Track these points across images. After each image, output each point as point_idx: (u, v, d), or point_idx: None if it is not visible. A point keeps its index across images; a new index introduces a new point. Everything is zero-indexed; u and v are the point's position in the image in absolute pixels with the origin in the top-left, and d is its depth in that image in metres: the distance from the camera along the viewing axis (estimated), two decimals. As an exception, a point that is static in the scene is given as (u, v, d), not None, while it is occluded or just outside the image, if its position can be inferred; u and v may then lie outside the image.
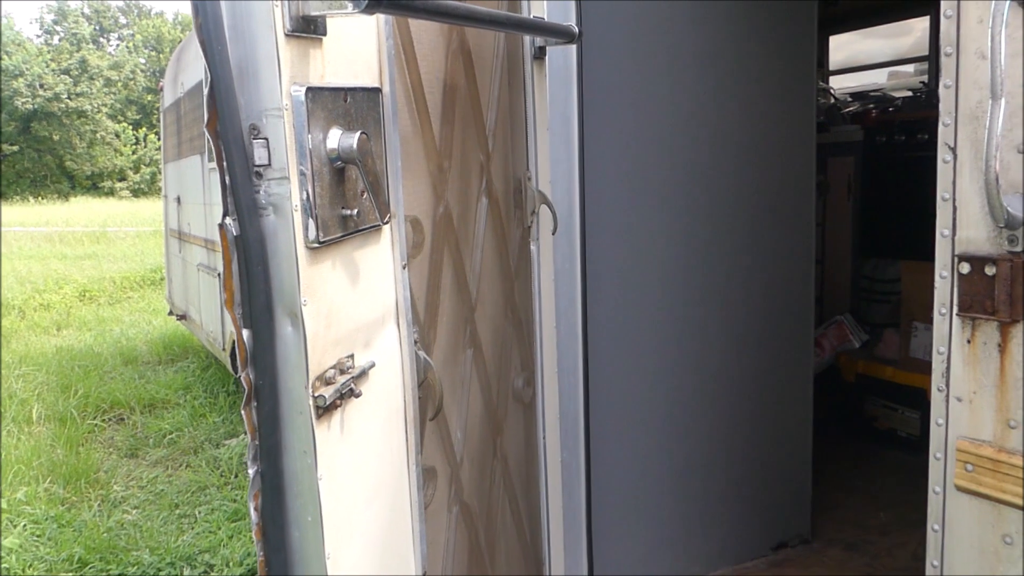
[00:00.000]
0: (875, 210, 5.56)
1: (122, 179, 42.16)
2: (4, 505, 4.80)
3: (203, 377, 7.79)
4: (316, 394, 1.37)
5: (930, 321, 1.64)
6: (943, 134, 1.58)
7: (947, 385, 1.60)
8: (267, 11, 1.27)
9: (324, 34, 1.38)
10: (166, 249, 9.15)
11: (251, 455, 1.37)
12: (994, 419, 1.52)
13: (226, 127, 1.28)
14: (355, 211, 1.45)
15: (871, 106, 6.01)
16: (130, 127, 43.62)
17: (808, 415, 3.74)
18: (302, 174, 1.34)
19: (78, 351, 9.08)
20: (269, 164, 1.32)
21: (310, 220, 1.35)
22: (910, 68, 6.77)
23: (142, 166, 42.54)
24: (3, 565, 4.13)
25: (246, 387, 1.36)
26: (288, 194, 1.32)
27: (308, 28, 1.33)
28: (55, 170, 40.94)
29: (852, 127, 5.72)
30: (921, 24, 6.35)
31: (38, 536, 4.49)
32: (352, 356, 1.50)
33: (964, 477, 1.56)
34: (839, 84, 7.04)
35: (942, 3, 1.54)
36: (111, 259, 16.32)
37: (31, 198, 35.40)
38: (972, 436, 1.56)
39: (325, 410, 1.39)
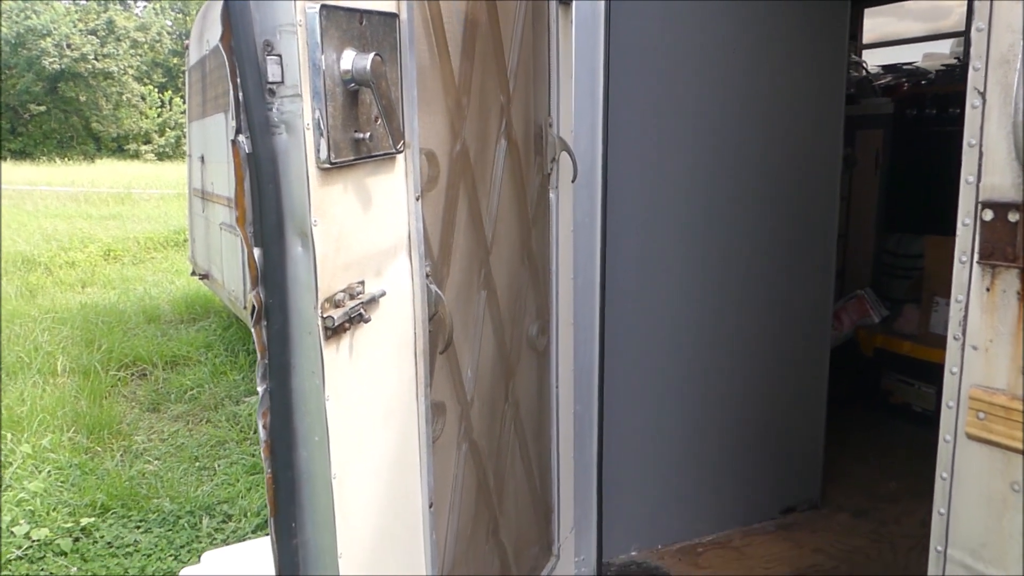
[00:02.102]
0: (902, 184, 5.48)
1: (147, 142, 42.39)
2: (30, 451, 4.89)
3: (224, 336, 7.86)
4: (325, 315, 1.38)
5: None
6: (973, 78, 1.54)
7: (963, 333, 1.58)
8: (284, -76, 1.26)
9: (341, -48, 1.37)
10: (189, 209, 9.19)
11: (260, 373, 1.38)
12: (1009, 367, 1.50)
13: (240, 42, 1.28)
14: (368, 135, 1.45)
15: (903, 79, 5.91)
16: (156, 90, 43.77)
17: (823, 383, 3.72)
18: (315, 93, 1.33)
19: (102, 308, 9.19)
20: (282, 81, 1.32)
21: (322, 140, 1.34)
22: (945, 49, 6.64)
23: (167, 129, 42.73)
24: (29, 508, 4.22)
25: (256, 305, 1.36)
26: (300, 112, 1.32)
27: (325, -56, 1.32)
28: (81, 131, 41.22)
29: (883, 100, 5.62)
30: (959, 7, 6.22)
31: (62, 482, 4.58)
32: (363, 283, 1.50)
33: (976, 425, 1.55)
34: (874, 60, 6.92)
35: (977, -58, 1.50)
36: (135, 220, 16.44)
37: (57, 158, 35.70)
38: (986, 384, 1.54)
39: (334, 332, 1.40)
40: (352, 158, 1.43)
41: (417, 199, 1.66)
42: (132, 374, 6.82)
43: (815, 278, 3.61)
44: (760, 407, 3.51)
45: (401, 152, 1.58)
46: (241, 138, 1.32)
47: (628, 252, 3.07)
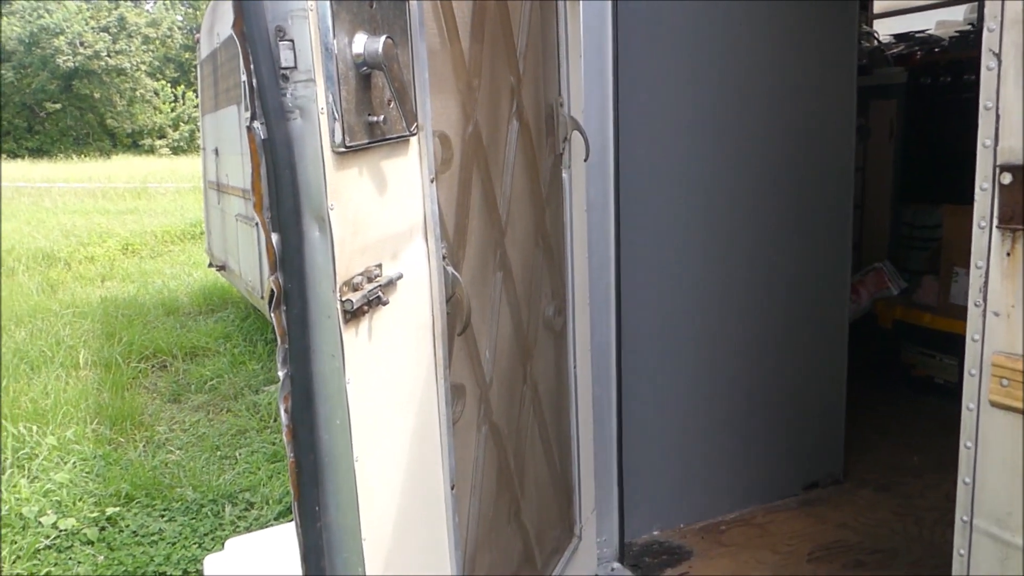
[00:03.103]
0: (917, 154, 5.42)
1: (161, 137, 42.65)
2: (55, 442, 4.96)
3: (242, 326, 7.93)
4: (344, 298, 1.38)
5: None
6: (987, 40, 1.52)
7: (984, 300, 1.57)
8: (292, -92, 1.26)
9: (349, -65, 1.36)
10: (205, 201, 9.25)
11: (281, 358, 1.39)
12: (1032, 332, 1.49)
13: (252, 28, 1.28)
14: (382, 118, 1.45)
15: (916, 47, 5.83)
16: (168, 85, 43.98)
17: (843, 357, 3.70)
18: (328, 77, 1.33)
19: (122, 301, 9.28)
20: (295, 66, 1.32)
21: (336, 124, 1.35)
22: (959, 16, 6.54)
23: (181, 124, 42.96)
24: (56, 498, 4.29)
25: (275, 290, 1.37)
26: (314, 97, 1.32)
27: (333, -72, 1.32)
28: (96, 128, 41.51)
29: (896, 69, 5.56)
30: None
31: (87, 472, 4.64)
32: (380, 265, 1.51)
33: (999, 392, 1.54)
34: (886, 29, 6.84)
35: (989, -101, 1.48)
36: (152, 214, 16.57)
37: (74, 155, 35.96)
38: (1009, 351, 1.53)
39: (353, 315, 1.41)
40: (366, 141, 1.43)
41: (432, 181, 1.66)
42: (152, 366, 6.89)
43: (832, 251, 3.59)
44: (780, 383, 3.51)
45: (415, 135, 1.58)
46: (256, 124, 1.33)
47: (642, 229, 3.06)
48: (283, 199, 1.35)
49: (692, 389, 3.33)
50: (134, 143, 41.98)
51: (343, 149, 1.37)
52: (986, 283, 1.56)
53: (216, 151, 8.16)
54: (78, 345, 7.27)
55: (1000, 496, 1.59)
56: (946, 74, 5.25)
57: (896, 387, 4.93)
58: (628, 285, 2.96)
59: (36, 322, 8.13)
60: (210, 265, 9.03)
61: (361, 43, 1.39)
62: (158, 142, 42.11)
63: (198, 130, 10.28)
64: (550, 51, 2.33)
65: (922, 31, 6.22)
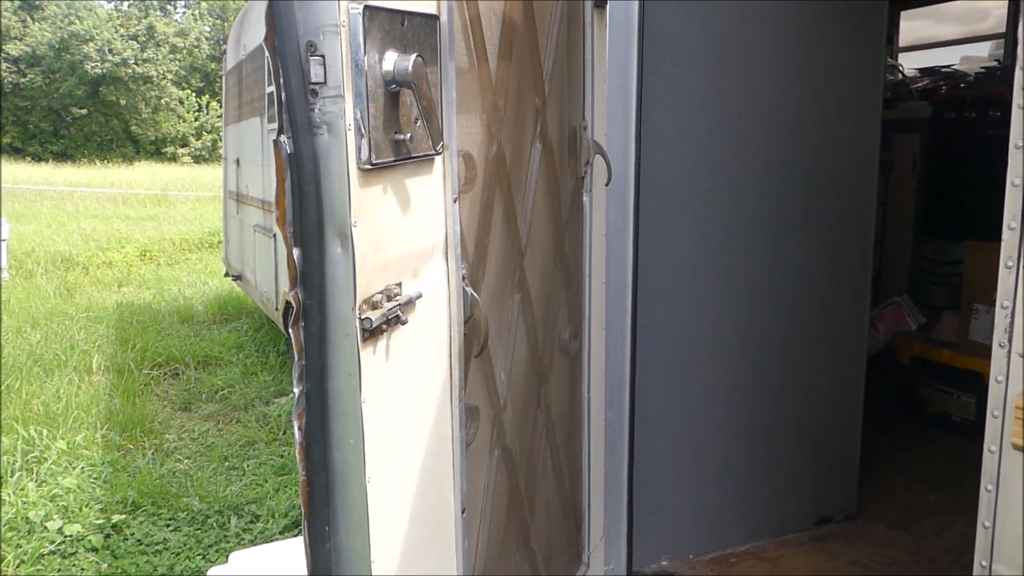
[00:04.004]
0: (940, 189, 5.39)
1: (184, 145, 43.04)
2: (64, 447, 4.97)
3: (255, 337, 7.95)
4: (363, 316, 1.38)
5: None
6: (1020, 79, 1.51)
7: (1009, 341, 1.54)
8: (327, -73, 1.27)
9: (383, -45, 1.37)
10: (224, 210, 9.32)
11: (297, 374, 1.39)
12: (1058, 375, 1.46)
13: (284, 43, 1.28)
14: (408, 136, 1.45)
15: (941, 82, 5.81)
16: (193, 94, 44.43)
17: (859, 392, 3.66)
18: (357, 94, 1.34)
19: (137, 307, 9.33)
20: (325, 82, 1.32)
21: (363, 141, 1.35)
22: (984, 53, 6.53)
23: (204, 133, 43.37)
24: (62, 503, 4.29)
25: (295, 306, 1.37)
26: (342, 113, 1.32)
27: (367, -53, 1.32)
28: (121, 134, 41.97)
29: (920, 103, 5.54)
30: (997, 9, 6.10)
31: (95, 478, 4.65)
32: (400, 284, 1.50)
33: (1022, 435, 1.51)
34: (911, 63, 6.83)
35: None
36: (171, 221, 16.70)
37: (97, 161, 36.33)
38: (1034, 394, 1.50)
39: (371, 334, 1.40)
40: (392, 159, 1.43)
41: (454, 201, 1.65)
42: (165, 373, 6.91)
43: (851, 284, 3.56)
44: (795, 415, 3.47)
45: (440, 154, 1.58)
46: (283, 138, 1.33)
47: (661, 256, 3.04)
48: (306, 214, 1.35)
49: (706, 418, 3.30)
50: (157, 150, 42.39)
51: (369, 166, 1.37)
52: (1011, 324, 1.53)
53: (237, 162, 8.22)
54: (92, 350, 7.30)
55: (1021, 542, 1.55)
56: (971, 110, 5.22)
57: (913, 424, 4.87)
58: (644, 311, 2.94)
59: (52, 325, 8.18)
60: (226, 275, 9.07)
61: (391, 61, 1.39)
62: (180, 150, 42.50)
63: (220, 140, 10.39)
64: (576, 74, 2.33)
65: (947, 66, 6.20)
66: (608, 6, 2.40)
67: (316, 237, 1.35)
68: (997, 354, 1.57)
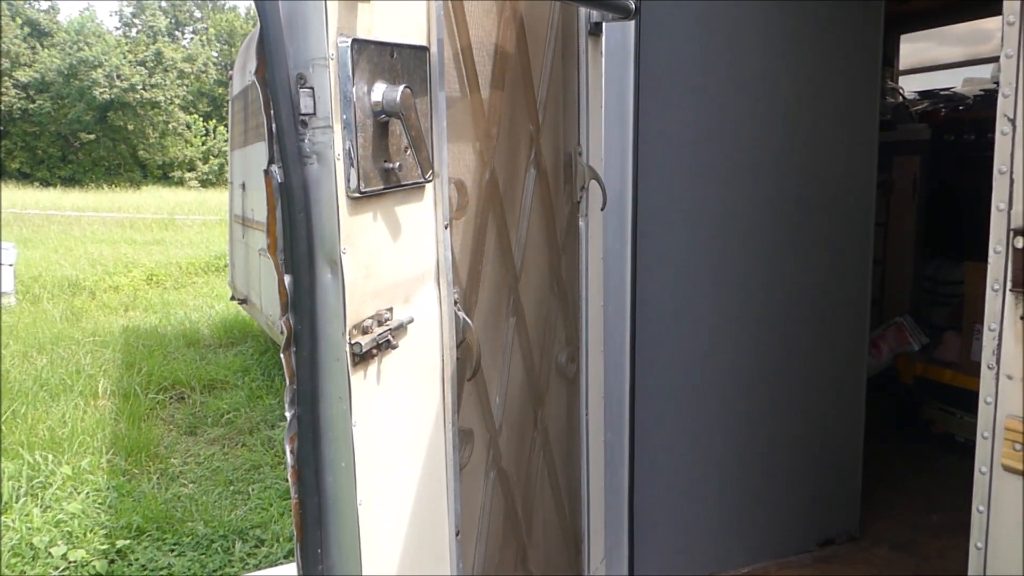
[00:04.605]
0: (940, 210, 5.40)
1: (191, 169, 43.39)
2: (69, 472, 4.98)
3: (261, 360, 7.97)
4: (353, 341, 1.40)
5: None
6: (1002, 105, 1.53)
7: (997, 363, 1.55)
8: (317, -37, 1.30)
9: (372, -11, 1.40)
10: (230, 235, 9.38)
11: (288, 399, 1.41)
12: (1045, 396, 1.47)
13: (274, 75, 1.31)
14: (397, 165, 1.48)
15: (940, 105, 5.84)
16: (200, 119, 44.85)
17: (860, 413, 3.66)
18: (346, 124, 1.36)
19: (143, 331, 9.38)
20: (314, 113, 1.35)
21: (352, 170, 1.37)
22: (986, 74, 6.56)
23: (211, 157, 43.74)
24: (67, 529, 4.30)
25: (286, 331, 1.39)
26: (331, 143, 1.35)
27: (356, -19, 1.36)
28: (128, 159, 42.34)
29: (920, 125, 5.57)
30: (999, 31, 6.13)
31: (100, 503, 4.66)
32: (391, 309, 1.52)
33: (1011, 456, 1.52)
34: (911, 86, 6.87)
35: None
36: (178, 245, 16.79)
37: (105, 185, 36.62)
38: (1022, 415, 1.51)
39: (361, 358, 1.42)
40: (382, 187, 1.45)
41: (446, 227, 1.68)
42: (171, 397, 6.93)
43: (851, 304, 3.57)
44: (796, 436, 3.46)
45: (430, 181, 1.61)
46: (274, 168, 1.36)
47: (659, 278, 3.06)
48: (297, 242, 1.37)
49: (707, 439, 3.30)
50: (164, 175, 42.73)
51: (358, 195, 1.39)
52: (999, 346, 1.55)
53: (243, 186, 8.29)
54: (98, 374, 7.34)
55: (1013, 562, 1.56)
56: (970, 132, 5.25)
57: (916, 444, 4.85)
58: (644, 333, 2.96)
59: (58, 350, 8.22)
60: (232, 298, 9.11)
61: (380, 92, 1.42)
62: (187, 174, 42.83)
63: (227, 164, 10.48)
64: (571, 100, 2.36)
65: (947, 89, 6.24)
66: (604, 33, 2.43)
67: (306, 264, 1.38)
68: (986, 375, 1.58)
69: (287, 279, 1.38)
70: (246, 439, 5.84)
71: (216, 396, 6.89)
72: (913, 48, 6.94)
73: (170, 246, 16.68)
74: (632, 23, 2.62)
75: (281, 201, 1.36)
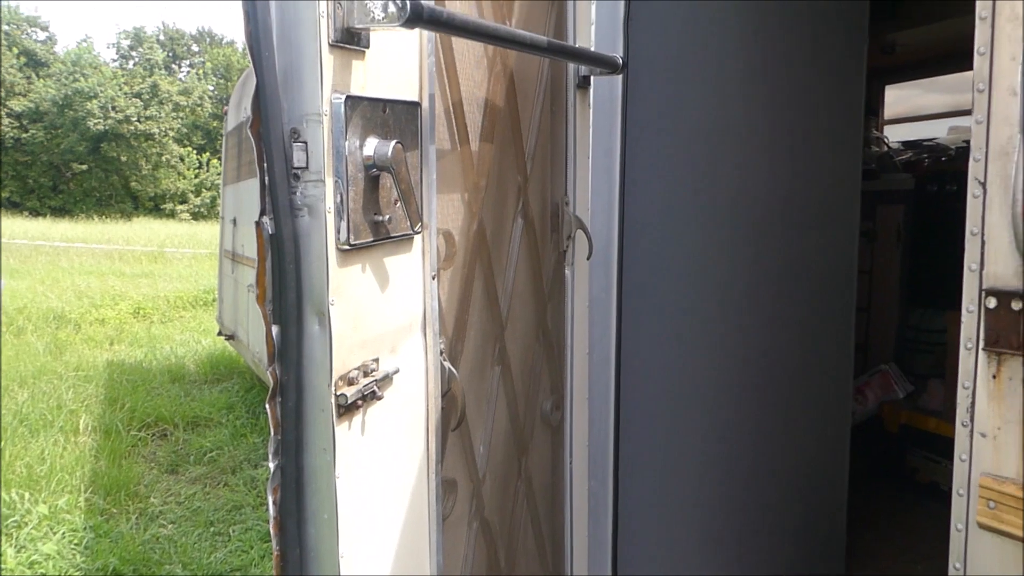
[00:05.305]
0: (923, 259, 5.48)
1: (183, 201, 43.47)
2: (46, 511, 4.92)
3: (246, 397, 7.93)
4: (338, 393, 1.41)
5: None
6: (973, 169, 1.58)
7: (971, 420, 1.58)
8: (314, 22, 1.34)
9: (367, 47, 1.44)
10: (219, 270, 9.37)
11: (272, 449, 1.41)
12: (1018, 456, 1.49)
13: (268, 130, 1.34)
14: (387, 218, 1.51)
15: (924, 155, 5.95)
16: (194, 151, 45.06)
17: (844, 461, 3.67)
18: (338, 178, 1.39)
19: (128, 366, 9.31)
20: (307, 167, 1.38)
21: (342, 222, 1.40)
22: (970, 124, 6.66)
23: (203, 190, 43.86)
24: (40, 570, 4.23)
25: (272, 382, 1.40)
26: (323, 196, 1.38)
27: (352, 40, 1.40)
28: (120, 190, 42.40)
29: (903, 175, 5.66)
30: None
31: (76, 544, 4.59)
32: (377, 360, 1.54)
33: (986, 514, 1.54)
34: (897, 135, 6.99)
35: (976, 40, 1.55)
36: (167, 279, 16.75)
37: (96, 216, 36.59)
38: (996, 473, 1.53)
39: (346, 409, 1.43)
40: (371, 240, 1.48)
41: (433, 278, 1.70)
42: (153, 434, 6.87)
43: (835, 352, 3.60)
44: (779, 485, 3.47)
45: (419, 233, 1.63)
46: (265, 219, 1.38)
47: (646, 326, 3.08)
48: (285, 293, 1.39)
49: (691, 489, 3.29)
50: (156, 207, 42.78)
51: (347, 247, 1.42)
52: (973, 404, 1.57)
53: (234, 221, 8.31)
54: (80, 410, 7.27)
55: (991, 622, 1.57)
56: (952, 183, 5.34)
57: (901, 492, 4.86)
58: (628, 382, 2.97)
59: (40, 384, 8.16)
60: (219, 333, 9.08)
61: (372, 146, 1.45)
62: (179, 206, 42.89)
63: (219, 197, 10.53)
64: (558, 151, 2.40)
65: (931, 139, 6.36)
66: (591, 87, 2.48)
67: (295, 315, 1.40)
68: (960, 433, 1.60)
69: (275, 329, 1.40)
70: (228, 478, 5.79)
71: (199, 433, 6.84)
72: (900, 95, 7.07)
73: (159, 279, 16.63)
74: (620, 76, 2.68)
75: (271, 252, 1.38)
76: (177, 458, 6.23)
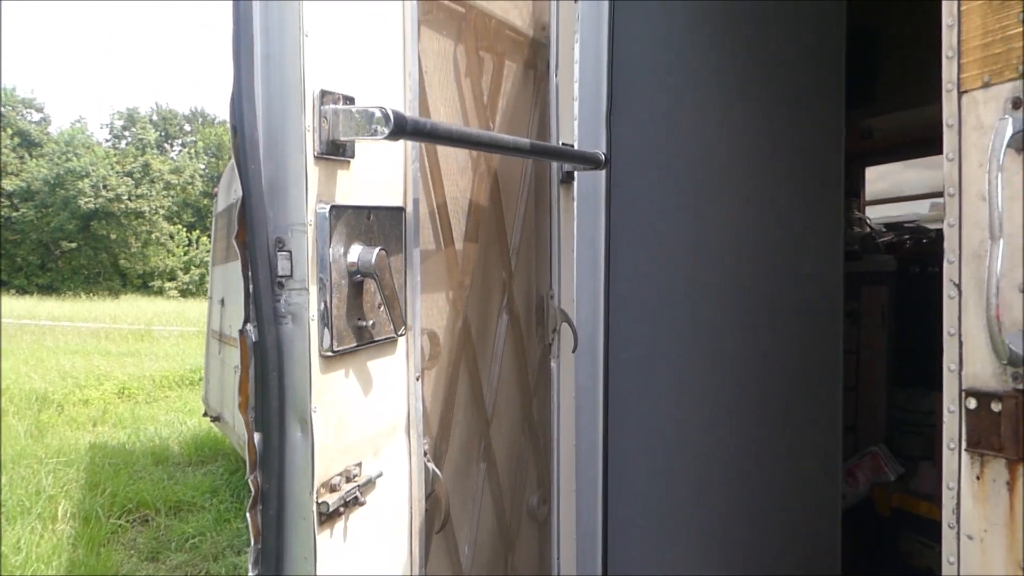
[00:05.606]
0: (909, 340, 5.51)
1: (172, 279, 43.49)
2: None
3: (231, 480, 7.79)
4: (320, 500, 1.40)
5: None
6: (948, 271, 1.61)
7: (958, 522, 1.57)
8: (300, 135, 1.37)
9: (352, 156, 1.48)
10: (206, 350, 9.32)
11: (252, 559, 1.39)
12: (1005, 559, 1.48)
13: (253, 239, 1.36)
14: (371, 322, 1.52)
15: (905, 237, 6.05)
16: (184, 229, 45.30)
17: (836, 545, 3.63)
18: (321, 286, 1.41)
19: (111, 448, 9.17)
20: (291, 275, 1.40)
21: (326, 330, 1.41)
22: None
23: (192, 267, 43.94)
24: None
25: (253, 490, 1.39)
26: (307, 304, 1.39)
27: (337, 151, 1.43)
28: (109, 267, 42.45)
29: (886, 257, 5.74)
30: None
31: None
32: (360, 464, 1.53)
33: (977, 621, 1.52)
34: (880, 212, 7.13)
35: (944, 146, 1.60)
36: (153, 358, 16.61)
37: (83, 294, 36.50)
38: (984, 574, 1.52)
39: (328, 517, 1.42)
40: (355, 345, 1.49)
41: (417, 379, 1.70)
42: (134, 520, 6.72)
43: (823, 435, 3.59)
44: (772, 571, 3.41)
45: (403, 335, 1.64)
46: (249, 327, 1.39)
47: (632, 416, 3.08)
48: (268, 400, 1.39)
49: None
50: (144, 284, 42.77)
51: (330, 353, 1.42)
52: (958, 505, 1.57)
53: (222, 302, 8.31)
54: (59, 495, 7.12)
55: None
56: (934, 264, 5.41)
57: (895, 578, 4.78)
58: (616, 470, 2.95)
59: (19, 469, 8.00)
60: (205, 414, 8.98)
61: (356, 253, 1.47)
62: (168, 284, 42.89)
63: (208, 274, 10.56)
64: (543, 244, 2.44)
65: (911, 221, 6.48)
66: (575, 182, 2.53)
67: (277, 423, 1.39)
68: (947, 535, 1.59)
69: (257, 437, 1.39)
70: (210, 566, 5.64)
71: (182, 519, 6.70)
72: (881, 172, 7.22)
73: (145, 358, 16.49)
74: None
75: (254, 360, 1.38)
76: (158, 545, 6.08)
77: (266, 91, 1.35)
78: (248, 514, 1.39)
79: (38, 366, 14.73)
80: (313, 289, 1.40)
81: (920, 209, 7.10)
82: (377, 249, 1.48)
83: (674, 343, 3.18)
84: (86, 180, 41.52)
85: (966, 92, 1.54)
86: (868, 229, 6.51)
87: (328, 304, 1.41)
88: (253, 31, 1.32)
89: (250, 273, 1.38)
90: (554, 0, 2.33)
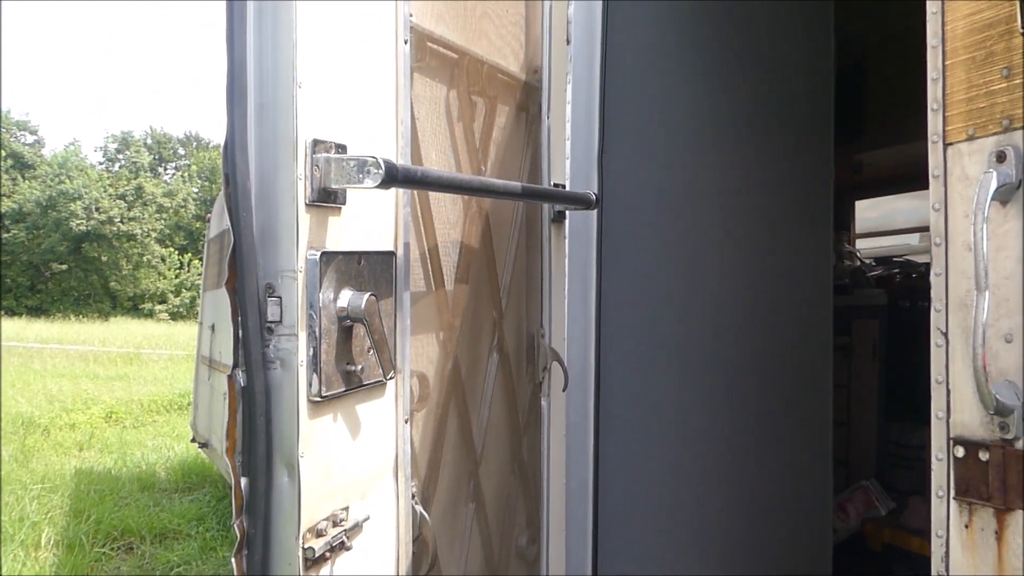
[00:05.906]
0: (900, 374, 5.52)
1: (162, 302, 43.33)
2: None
3: (218, 508, 7.72)
4: (306, 546, 1.39)
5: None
6: (935, 319, 1.62)
7: (947, 570, 1.57)
8: (292, 184, 1.38)
9: (344, 203, 1.49)
10: (196, 375, 9.26)
11: (237, 606, 1.38)
12: (994, 612, 1.48)
13: (243, 286, 1.37)
14: (360, 367, 1.52)
15: (895, 271, 6.09)
16: (176, 252, 45.21)
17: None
18: (311, 331, 1.41)
19: (97, 474, 9.07)
20: (280, 321, 1.40)
21: (314, 375, 1.41)
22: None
23: (183, 290, 43.80)
24: None
25: (239, 535, 1.38)
26: (295, 349, 1.39)
27: (328, 198, 1.44)
28: (99, 290, 42.27)
29: (876, 291, 5.77)
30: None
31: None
32: (347, 508, 1.52)
33: (967, 672, 1.51)
34: (871, 244, 7.19)
35: (931, 197, 1.62)
36: (141, 381, 16.49)
37: (72, 316, 36.30)
38: (974, 627, 1.52)
39: (314, 562, 1.41)
40: (343, 389, 1.49)
41: (406, 422, 1.70)
42: (118, 547, 6.63)
43: (813, 469, 3.59)
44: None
45: (392, 379, 1.64)
46: (237, 372, 1.39)
47: (623, 456, 3.07)
48: (255, 445, 1.38)
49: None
50: (134, 306, 42.58)
51: (319, 398, 1.42)
52: (947, 553, 1.57)
53: (213, 327, 8.26)
54: (43, 522, 7.03)
55: None
56: (923, 298, 5.43)
57: (887, 615, 4.75)
58: (606, 510, 2.93)
59: (3, 495, 7.91)
60: (193, 440, 8.90)
61: (346, 299, 1.48)
62: (158, 306, 42.71)
63: (199, 298, 10.52)
64: (534, 283, 2.45)
65: (901, 256, 6.52)
66: (567, 221, 2.55)
67: (264, 467, 1.39)
68: (936, 583, 1.59)
69: (243, 482, 1.38)
70: (195, 597, 5.58)
71: (167, 547, 6.62)
72: (871, 202, 7.27)
73: (133, 382, 16.36)
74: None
75: (242, 405, 1.38)
76: (142, 573, 6.00)
77: (259, 140, 1.36)
78: (233, 559, 1.38)
79: (24, 389, 14.61)
80: (302, 335, 1.40)
81: (911, 241, 7.16)
82: (367, 295, 1.48)
83: (665, 383, 3.18)
84: (79, 202, 41.47)
85: (951, 144, 1.56)
86: (858, 262, 6.55)
87: (317, 349, 1.41)
88: (247, 81, 1.33)
89: (240, 318, 1.38)
90: (547, 42, 2.36)
